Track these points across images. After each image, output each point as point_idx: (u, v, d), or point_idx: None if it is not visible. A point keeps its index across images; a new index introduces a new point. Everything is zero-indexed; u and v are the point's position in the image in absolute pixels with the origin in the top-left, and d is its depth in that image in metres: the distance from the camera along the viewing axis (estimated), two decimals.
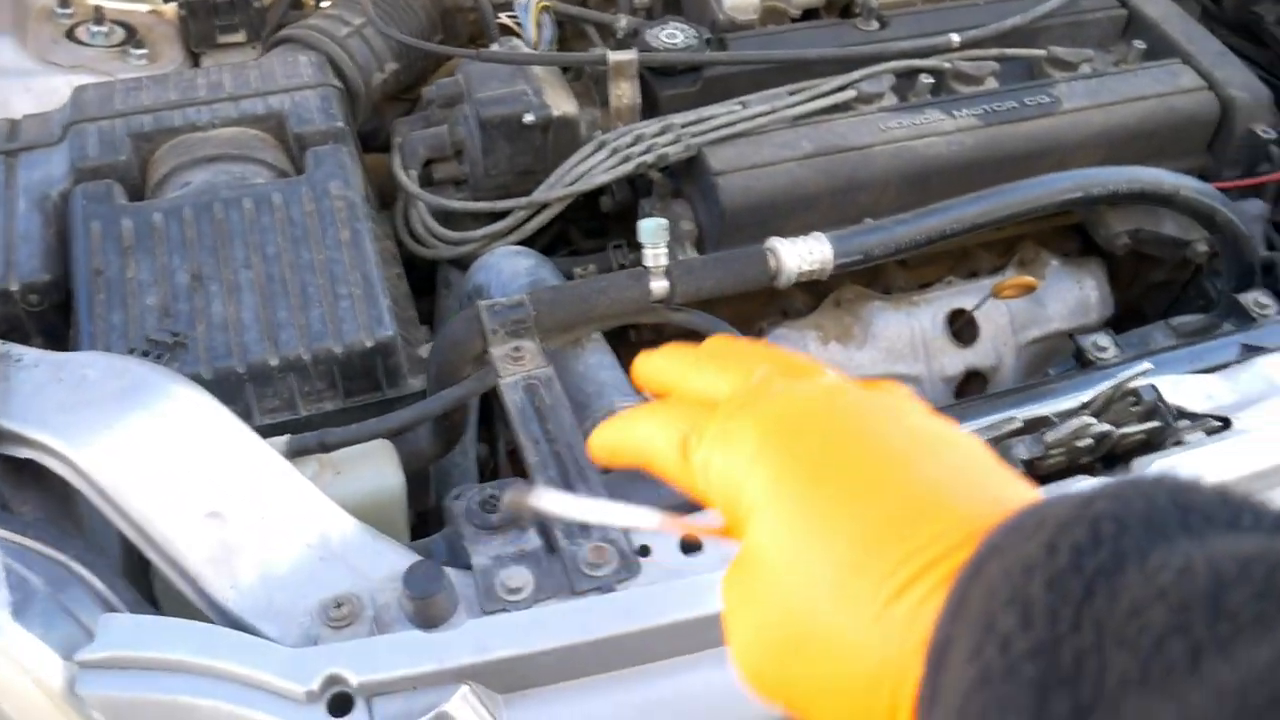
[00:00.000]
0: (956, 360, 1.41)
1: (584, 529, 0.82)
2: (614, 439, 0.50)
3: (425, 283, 1.39)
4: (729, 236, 1.23)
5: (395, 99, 1.57)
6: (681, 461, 0.44)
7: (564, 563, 0.80)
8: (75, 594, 0.77)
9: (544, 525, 0.82)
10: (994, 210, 1.14)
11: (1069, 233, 1.50)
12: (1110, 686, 0.28)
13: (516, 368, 0.95)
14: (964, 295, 1.43)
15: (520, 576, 0.79)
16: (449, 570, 0.79)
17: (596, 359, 1.02)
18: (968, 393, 1.43)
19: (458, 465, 1.24)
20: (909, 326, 1.41)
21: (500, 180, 1.33)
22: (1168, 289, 1.60)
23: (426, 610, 0.75)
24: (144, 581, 0.89)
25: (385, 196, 1.41)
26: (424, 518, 1.15)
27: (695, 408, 0.46)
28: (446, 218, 1.33)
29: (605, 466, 0.76)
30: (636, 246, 1.41)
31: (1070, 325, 1.45)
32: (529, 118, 1.26)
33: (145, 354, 1.01)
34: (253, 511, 0.82)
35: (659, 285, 1.01)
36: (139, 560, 0.85)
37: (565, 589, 0.79)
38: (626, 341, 1.43)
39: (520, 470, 0.92)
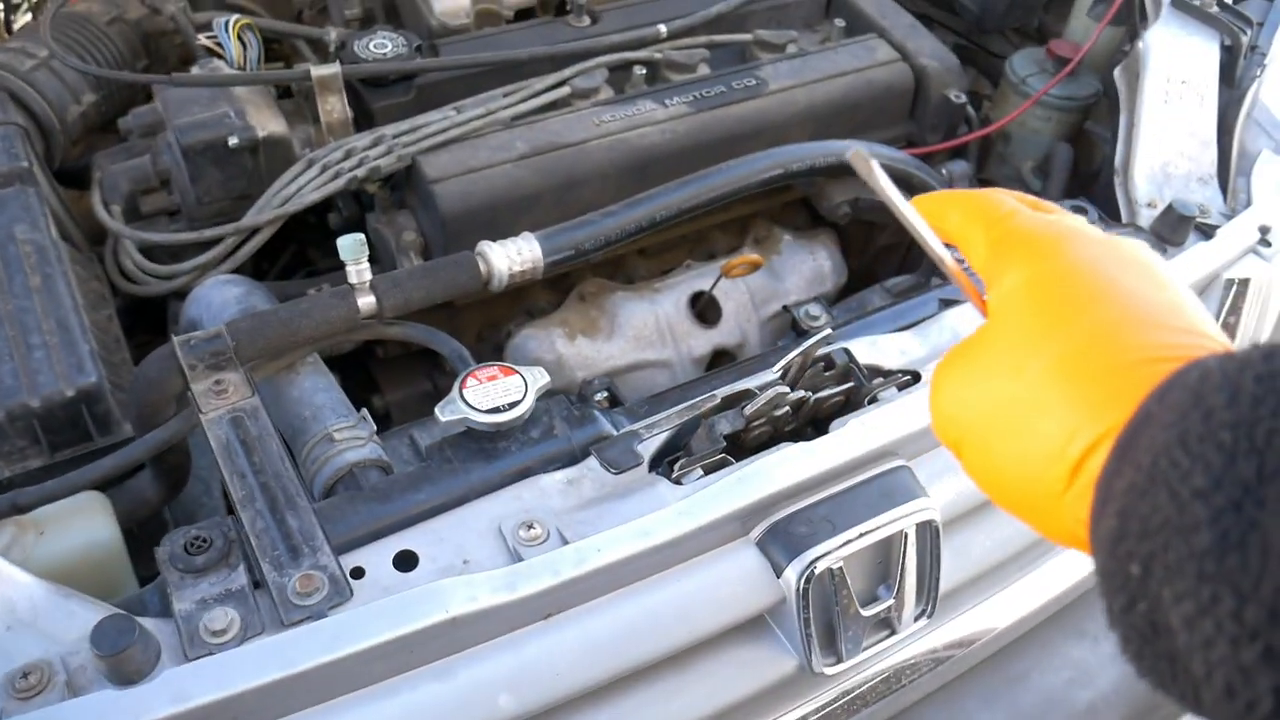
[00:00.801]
0: (703, 341, 1.45)
1: (294, 559, 0.80)
2: (934, 203, 0.58)
3: (161, 321, 1.34)
4: (454, 243, 1.23)
5: (106, 131, 1.50)
6: (972, 232, 0.55)
7: (272, 596, 0.78)
8: None
9: (249, 561, 0.80)
10: (699, 194, 1.18)
11: (798, 207, 1.56)
12: None
13: (220, 401, 0.92)
14: (703, 277, 1.47)
15: (225, 617, 0.77)
16: (149, 621, 0.76)
17: (311, 382, 1.00)
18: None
19: (203, 505, 1.20)
20: (653, 313, 1.44)
21: (216, 207, 1.29)
22: (895, 251, 1.70)
23: (121, 666, 0.72)
24: None
25: (97, 234, 1.34)
26: None
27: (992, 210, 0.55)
28: (169, 251, 1.28)
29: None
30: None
31: (808, 295, 1.51)
32: (234, 140, 1.22)
33: None
34: None
35: (365, 301, 1.00)
36: None
37: (276, 623, 0.77)
38: (374, 357, 1.41)
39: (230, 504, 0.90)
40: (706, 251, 1.52)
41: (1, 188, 1.15)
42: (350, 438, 0.95)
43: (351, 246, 0.97)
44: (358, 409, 1.03)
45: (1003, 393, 0.48)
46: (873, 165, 0.55)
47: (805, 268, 1.54)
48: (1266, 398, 0.35)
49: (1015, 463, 0.47)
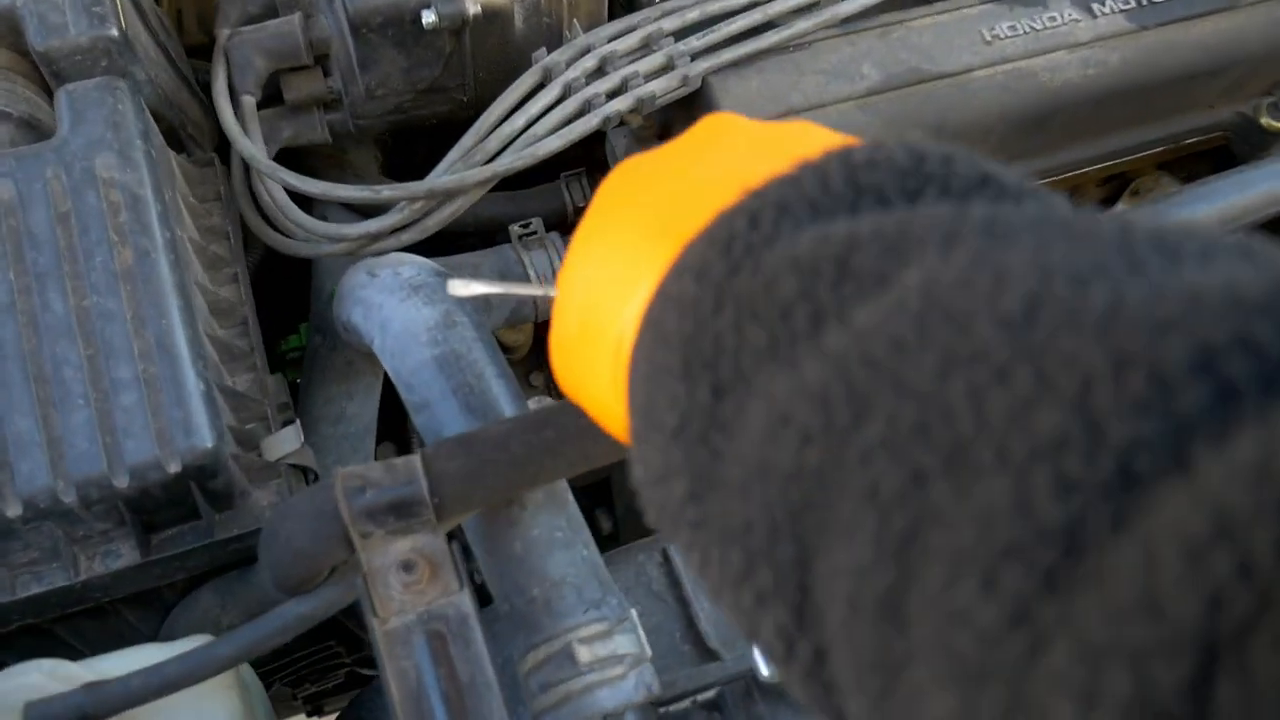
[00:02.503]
0: None
1: None
2: None
3: (298, 284, 0.96)
4: None
5: None
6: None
7: None
8: None
9: None
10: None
11: (1201, 158, 1.06)
12: (745, 363, 0.28)
13: (409, 597, 0.56)
14: None
15: None
16: None
17: (542, 529, 0.62)
18: None
19: None
20: None
21: (394, 101, 0.86)
22: None
23: None
24: None
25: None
26: None
27: None
28: (309, 159, 0.87)
29: None
30: (599, 169, 0.97)
31: None
32: (429, 18, 0.77)
33: None
34: None
35: None
36: None
37: None
38: None
39: None
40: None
41: (78, 72, 0.74)
42: (606, 656, 0.58)
43: None
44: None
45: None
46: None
47: None
48: (705, 295, 0.30)
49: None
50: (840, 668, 0.25)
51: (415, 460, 0.57)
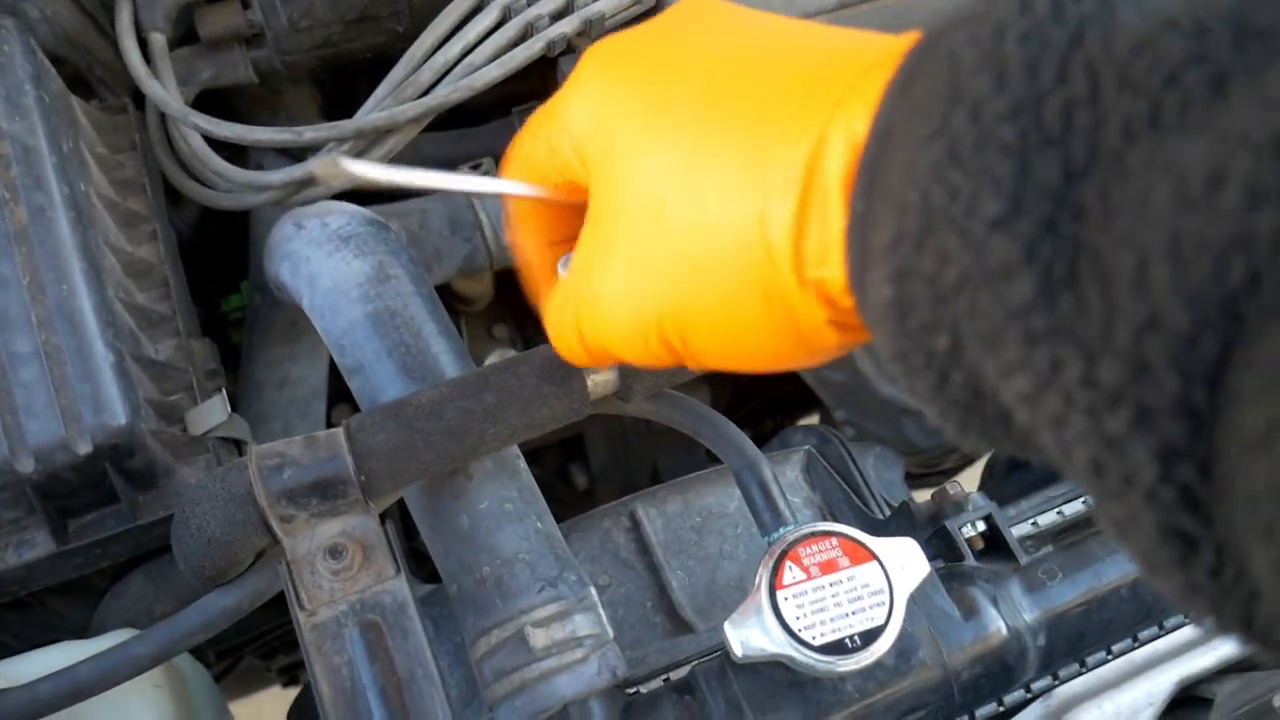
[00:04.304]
0: None
1: None
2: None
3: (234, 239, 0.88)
4: None
5: None
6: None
7: None
8: None
9: None
10: None
11: None
12: (1109, 138, 0.24)
13: (338, 585, 0.50)
14: None
15: None
16: None
17: (491, 502, 0.56)
18: None
19: None
20: None
21: (322, 34, 0.78)
22: None
23: None
24: None
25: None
26: None
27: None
28: (234, 101, 0.80)
29: None
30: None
31: None
32: None
33: None
34: None
35: (601, 379, 0.53)
36: None
37: None
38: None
39: None
40: None
41: None
42: (564, 639, 0.53)
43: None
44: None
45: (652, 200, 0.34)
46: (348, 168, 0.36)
47: None
48: (1043, 60, 0.24)
49: (706, 274, 0.33)
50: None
51: (338, 434, 0.50)
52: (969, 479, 1.22)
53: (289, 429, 0.84)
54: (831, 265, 0.31)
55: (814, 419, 1.35)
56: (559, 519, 0.59)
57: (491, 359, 0.96)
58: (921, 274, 0.27)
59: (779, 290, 0.32)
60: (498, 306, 1.03)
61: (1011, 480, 0.95)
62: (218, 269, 0.96)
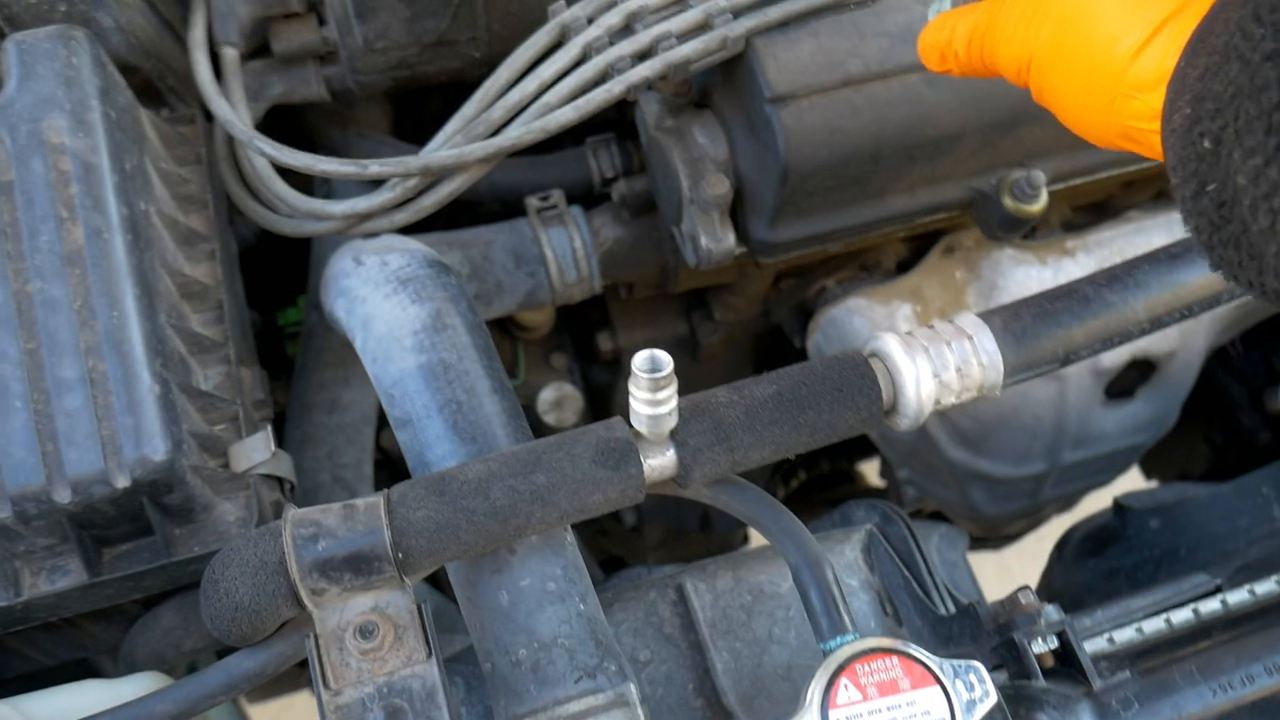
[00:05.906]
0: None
1: None
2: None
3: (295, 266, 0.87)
4: (793, 203, 0.70)
5: None
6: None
7: None
8: None
9: None
10: None
11: None
12: None
13: (366, 665, 0.47)
14: (1149, 234, 0.91)
15: None
16: None
17: (534, 579, 0.53)
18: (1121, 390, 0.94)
19: None
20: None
21: (396, 56, 0.76)
22: None
23: None
24: None
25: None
26: None
27: None
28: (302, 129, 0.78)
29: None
30: (629, 135, 0.86)
31: None
32: None
33: None
34: None
35: (659, 464, 0.50)
36: None
37: None
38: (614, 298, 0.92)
39: None
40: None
41: (34, 18, 0.65)
42: None
43: (646, 366, 0.47)
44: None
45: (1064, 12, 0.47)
46: None
47: None
48: None
49: (1083, 72, 0.46)
50: None
51: (378, 505, 0.48)
52: (1032, 549, 1.16)
53: (335, 454, 0.83)
54: (1156, 94, 0.43)
55: (875, 465, 1.31)
56: (605, 555, 0.56)
57: (547, 394, 0.93)
58: (1211, 93, 0.37)
59: (1111, 84, 0.45)
60: (556, 335, 1.00)
61: (1084, 566, 0.90)
62: (279, 277, 0.94)
